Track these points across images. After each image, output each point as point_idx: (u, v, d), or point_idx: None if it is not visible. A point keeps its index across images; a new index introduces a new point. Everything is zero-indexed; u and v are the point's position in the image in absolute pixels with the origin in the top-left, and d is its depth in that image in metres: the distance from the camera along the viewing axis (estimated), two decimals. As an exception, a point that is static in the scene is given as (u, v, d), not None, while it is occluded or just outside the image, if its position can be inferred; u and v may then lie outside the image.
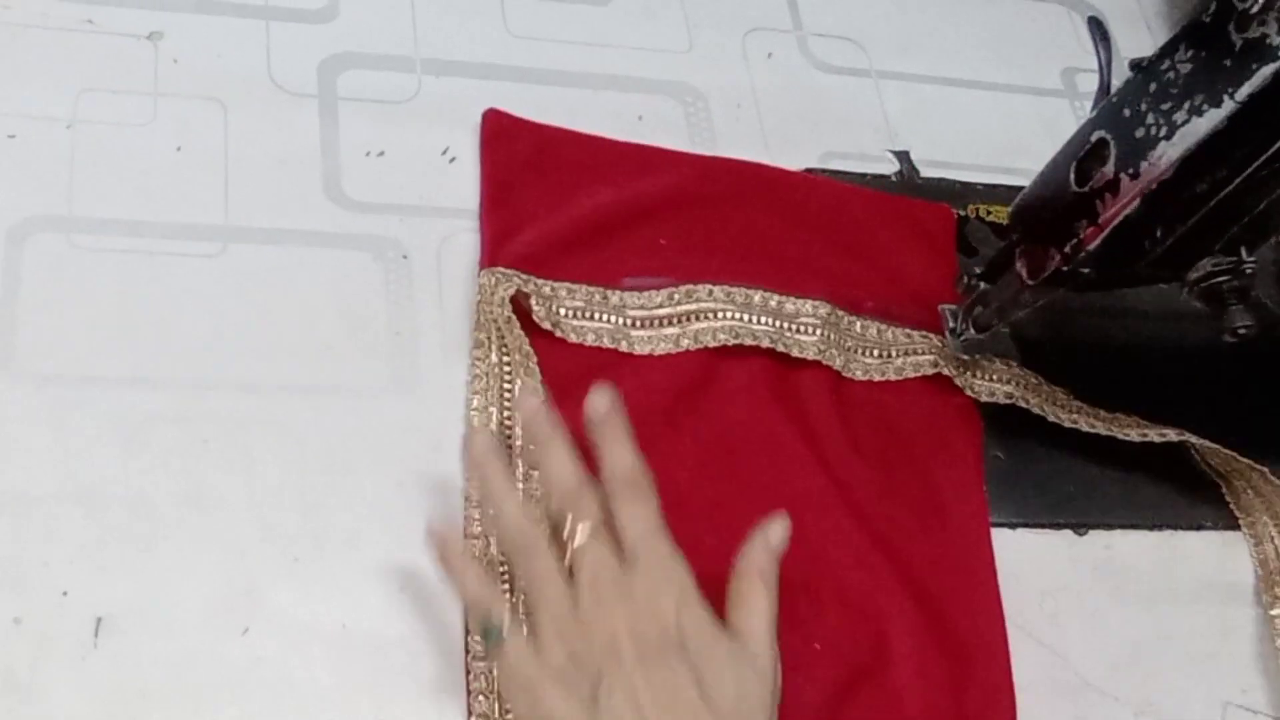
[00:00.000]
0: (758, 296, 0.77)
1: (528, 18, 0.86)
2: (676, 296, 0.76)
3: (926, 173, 0.88)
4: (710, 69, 0.88)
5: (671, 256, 0.78)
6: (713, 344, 0.75)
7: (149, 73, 0.77)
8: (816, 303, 0.78)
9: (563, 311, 0.74)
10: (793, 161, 0.85)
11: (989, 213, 0.86)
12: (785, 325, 0.77)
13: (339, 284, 0.74)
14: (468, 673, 0.65)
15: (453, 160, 0.79)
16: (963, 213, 0.86)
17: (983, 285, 0.76)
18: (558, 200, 0.78)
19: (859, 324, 0.79)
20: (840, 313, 0.78)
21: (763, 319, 0.77)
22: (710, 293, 0.76)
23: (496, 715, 0.64)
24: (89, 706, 0.61)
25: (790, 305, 0.77)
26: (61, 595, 0.63)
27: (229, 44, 0.79)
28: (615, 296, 0.75)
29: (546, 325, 0.73)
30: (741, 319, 0.76)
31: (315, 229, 0.75)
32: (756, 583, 0.65)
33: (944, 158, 0.89)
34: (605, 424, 0.67)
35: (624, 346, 0.75)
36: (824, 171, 0.86)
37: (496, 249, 0.75)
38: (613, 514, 0.65)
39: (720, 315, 0.76)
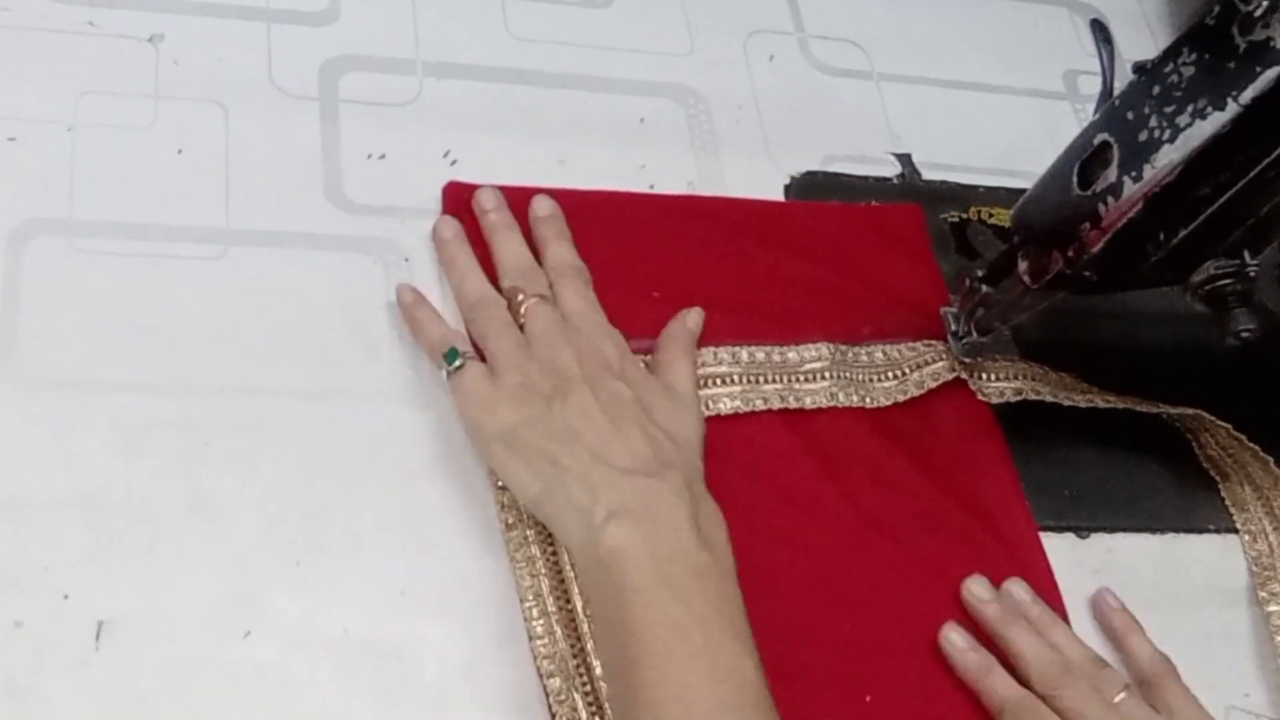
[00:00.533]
0: (760, 353, 0.76)
1: (529, 20, 0.86)
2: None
3: (928, 175, 0.88)
4: (711, 71, 0.88)
5: (665, 309, 0.76)
6: (727, 411, 0.74)
7: (150, 75, 0.77)
8: (817, 345, 0.77)
9: None
10: (794, 164, 0.86)
11: (991, 215, 0.86)
12: (791, 378, 0.76)
13: (340, 287, 0.74)
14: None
15: (454, 163, 0.79)
16: (965, 215, 0.86)
17: (984, 288, 0.76)
18: None
19: (864, 352, 0.79)
20: (842, 347, 0.78)
21: (770, 377, 0.76)
22: (715, 355, 0.75)
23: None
24: (90, 710, 0.61)
25: (793, 354, 0.77)
26: (63, 599, 0.62)
27: (230, 46, 0.79)
28: None
29: None
30: (749, 383, 0.75)
31: (316, 231, 0.75)
32: (677, 351, 0.74)
33: (946, 160, 0.89)
34: (547, 223, 0.76)
35: None
36: (825, 174, 0.86)
37: None
38: (554, 296, 0.73)
39: (728, 380, 0.75)
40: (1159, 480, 0.81)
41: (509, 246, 0.75)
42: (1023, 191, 0.73)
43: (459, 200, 0.77)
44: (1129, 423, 0.80)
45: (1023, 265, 0.72)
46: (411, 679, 0.65)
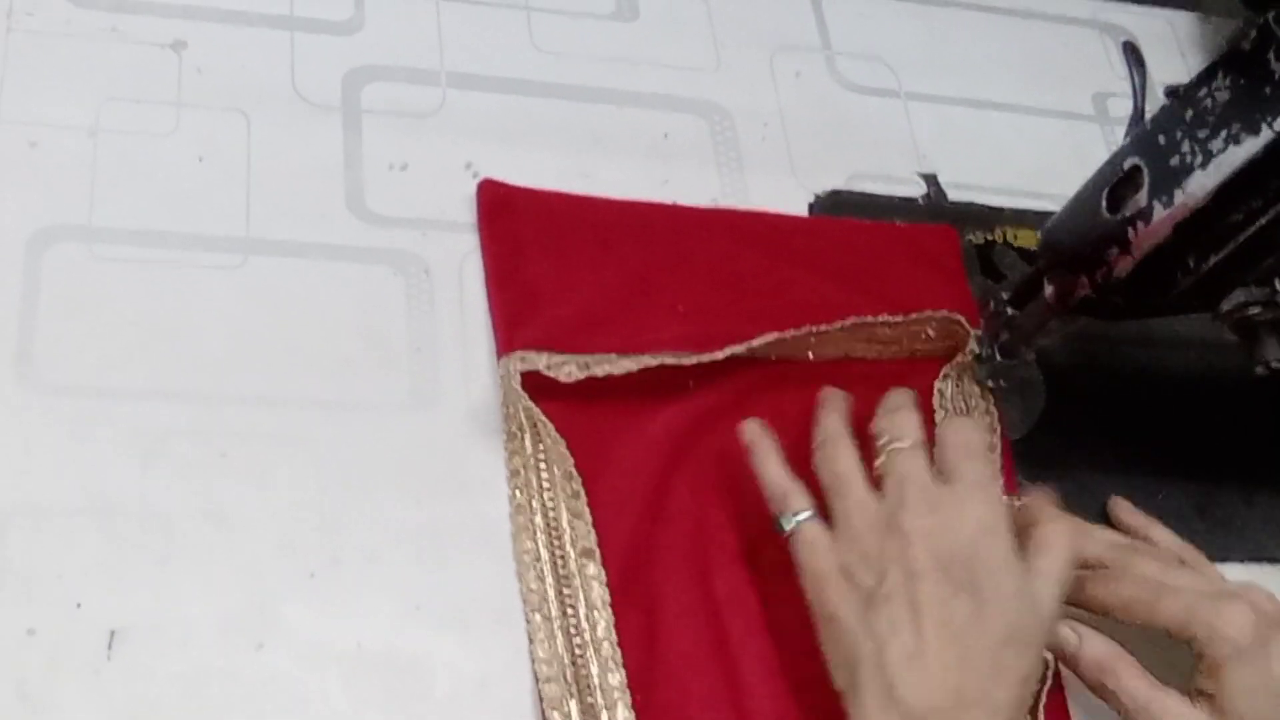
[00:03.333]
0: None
1: (554, 32, 0.86)
2: (704, 359, 0.75)
3: (955, 196, 0.87)
4: (737, 87, 0.87)
5: (691, 323, 0.76)
6: (757, 343, 0.74)
7: (172, 82, 0.77)
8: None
9: (598, 365, 0.72)
10: (819, 183, 0.85)
11: (1016, 237, 0.86)
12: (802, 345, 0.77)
13: (360, 298, 0.73)
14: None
15: (476, 175, 0.79)
16: (991, 237, 0.85)
17: (1009, 311, 0.76)
18: (566, 275, 0.76)
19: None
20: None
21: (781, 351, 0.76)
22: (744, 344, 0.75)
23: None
24: (101, 719, 0.60)
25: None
26: (75, 607, 0.62)
27: (253, 55, 0.79)
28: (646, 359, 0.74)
29: (580, 375, 0.71)
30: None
31: (337, 242, 0.75)
32: (1059, 530, 0.67)
33: (973, 181, 0.88)
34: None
35: (670, 362, 0.73)
36: (850, 193, 0.85)
37: (511, 334, 0.73)
38: (937, 440, 0.68)
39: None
40: (1181, 507, 0.80)
41: (892, 394, 0.72)
42: (1050, 214, 0.72)
43: (494, 198, 0.77)
44: (1151, 448, 0.80)
45: (1049, 289, 0.72)
46: (424, 694, 0.64)
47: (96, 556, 0.63)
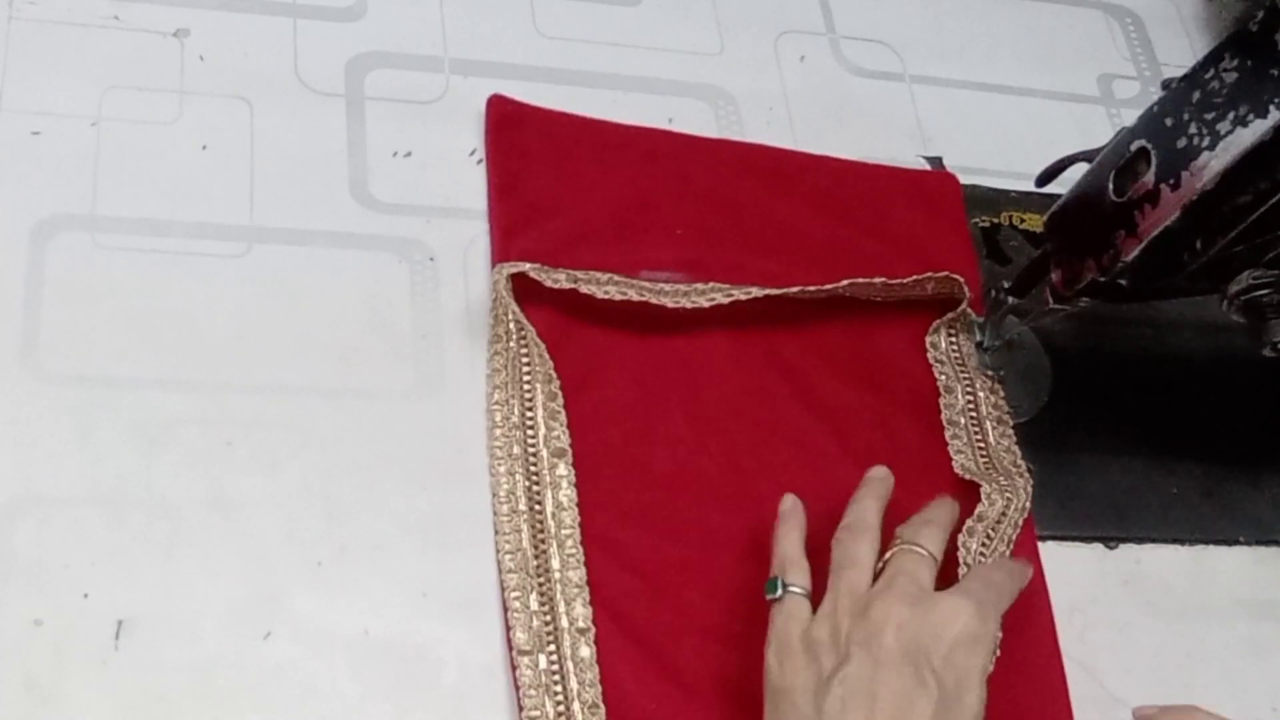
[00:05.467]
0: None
1: (557, 18, 0.86)
2: (697, 287, 0.75)
3: (960, 179, 0.87)
4: (741, 71, 0.87)
5: (688, 247, 0.77)
6: (743, 297, 0.74)
7: (175, 70, 0.77)
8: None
9: (586, 284, 0.73)
10: (823, 166, 0.85)
11: (1022, 220, 0.85)
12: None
13: (364, 286, 0.73)
14: (513, 668, 0.65)
15: (480, 161, 0.79)
16: (996, 220, 0.85)
17: (1010, 300, 0.75)
18: (568, 190, 0.77)
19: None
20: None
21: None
22: (729, 293, 0.75)
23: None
24: (109, 709, 0.60)
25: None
26: (82, 597, 0.62)
27: (256, 42, 0.79)
28: (639, 283, 0.74)
29: (567, 285, 0.72)
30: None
31: (341, 230, 0.74)
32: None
33: (977, 164, 0.88)
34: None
35: (653, 300, 0.73)
36: (855, 177, 0.85)
37: (507, 243, 0.75)
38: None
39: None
40: (1189, 490, 0.80)
41: (937, 509, 0.69)
42: (1056, 197, 0.72)
43: (502, 113, 0.79)
44: (1159, 431, 0.80)
45: (1055, 273, 0.71)
46: (432, 681, 0.65)
47: (103, 546, 0.63)
